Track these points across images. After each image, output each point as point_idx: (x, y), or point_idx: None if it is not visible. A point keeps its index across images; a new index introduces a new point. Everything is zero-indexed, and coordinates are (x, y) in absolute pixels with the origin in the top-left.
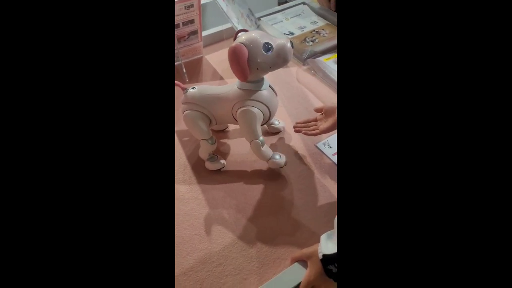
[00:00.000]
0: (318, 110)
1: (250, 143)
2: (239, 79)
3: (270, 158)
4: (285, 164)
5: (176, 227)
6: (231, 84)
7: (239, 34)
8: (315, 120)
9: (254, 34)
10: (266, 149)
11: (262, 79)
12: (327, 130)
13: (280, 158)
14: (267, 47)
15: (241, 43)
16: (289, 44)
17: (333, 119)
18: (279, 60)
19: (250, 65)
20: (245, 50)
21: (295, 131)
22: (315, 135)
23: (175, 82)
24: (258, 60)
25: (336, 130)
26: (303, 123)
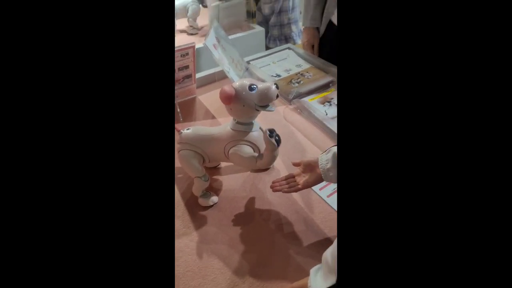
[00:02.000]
0: (296, 165)
1: (257, 165)
2: (223, 102)
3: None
4: (271, 132)
5: None
6: (225, 125)
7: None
8: (293, 177)
9: (245, 80)
10: (265, 155)
11: (253, 122)
12: (309, 185)
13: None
14: (252, 87)
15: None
16: (273, 86)
17: (314, 173)
18: (263, 99)
19: (237, 101)
20: (231, 86)
21: (274, 190)
22: (296, 191)
23: None
24: (243, 97)
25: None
26: (280, 181)
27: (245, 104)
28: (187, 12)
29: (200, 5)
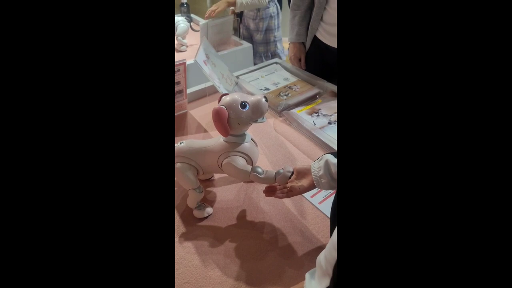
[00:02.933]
0: None
1: (250, 177)
2: (222, 135)
3: (275, 177)
4: (291, 172)
5: None
6: (217, 137)
7: (223, 97)
8: (285, 183)
9: (234, 96)
10: (267, 174)
11: (245, 133)
12: (301, 191)
13: (283, 170)
14: (244, 104)
15: (222, 105)
16: (263, 99)
17: (307, 180)
18: (256, 113)
19: (231, 122)
20: (225, 112)
21: (266, 195)
22: (288, 197)
23: None
24: (238, 117)
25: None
26: (273, 187)
27: (240, 122)
28: (176, 30)
29: (189, 24)
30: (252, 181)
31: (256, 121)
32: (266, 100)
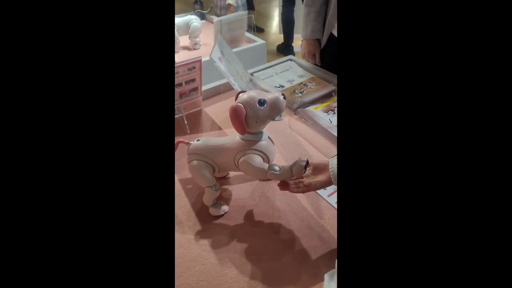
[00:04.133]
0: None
1: (267, 175)
2: (239, 133)
3: (291, 169)
4: (306, 162)
5: (182, 274)
6: (234, 135)
7: (240, 95)
8: (301, 177)
9: (251, 93)
10: (282, 169)
11: (262, 131)
12: (317, 187)
13: (297, 162)
14: (262, 102)
15: (239, 103)
16: (281, 97)
17: (323, 176)
18: (274, 111)
19: (249, 120)
20: (243, 110)
21: (281, 189)
22: (303, 192)
23: (180, 140)
24: (255, 114)
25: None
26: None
27: (257, 120)
28: (189, 29)
29: (203, 21)
30: (267, 180)
31: (273, 119)
32: (284, 98)
